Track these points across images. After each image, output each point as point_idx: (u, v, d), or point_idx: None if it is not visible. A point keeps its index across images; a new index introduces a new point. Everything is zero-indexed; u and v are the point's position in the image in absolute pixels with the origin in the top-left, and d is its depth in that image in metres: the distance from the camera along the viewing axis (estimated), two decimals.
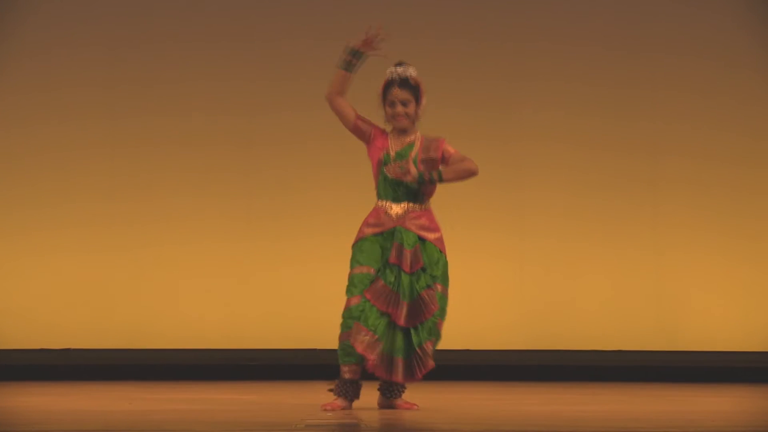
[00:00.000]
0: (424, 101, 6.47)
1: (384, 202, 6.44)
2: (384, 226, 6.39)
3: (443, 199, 9.52)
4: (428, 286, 6.31)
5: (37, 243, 9.26)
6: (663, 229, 9.35)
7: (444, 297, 6.38)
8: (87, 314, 9.22)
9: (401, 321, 6.25)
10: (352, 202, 9.23)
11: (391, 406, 6.43)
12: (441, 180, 6.37)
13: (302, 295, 9.24)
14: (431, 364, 6.33)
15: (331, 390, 6.42)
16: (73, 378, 8.97)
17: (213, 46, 9.39)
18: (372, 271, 6.31)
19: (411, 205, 6.43)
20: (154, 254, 9.31)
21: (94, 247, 9.27)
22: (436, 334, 6.34)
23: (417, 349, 6.27)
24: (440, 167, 6.41)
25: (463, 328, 9.24)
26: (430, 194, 6.49)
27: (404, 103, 6.42)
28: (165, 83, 9.37)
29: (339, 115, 6.48)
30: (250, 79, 9.38)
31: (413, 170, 6.33)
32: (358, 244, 6.42)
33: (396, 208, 6.43)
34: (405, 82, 6.43)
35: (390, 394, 6.45)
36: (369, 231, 6.41)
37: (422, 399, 7.18)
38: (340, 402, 6.34)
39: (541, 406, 6.71)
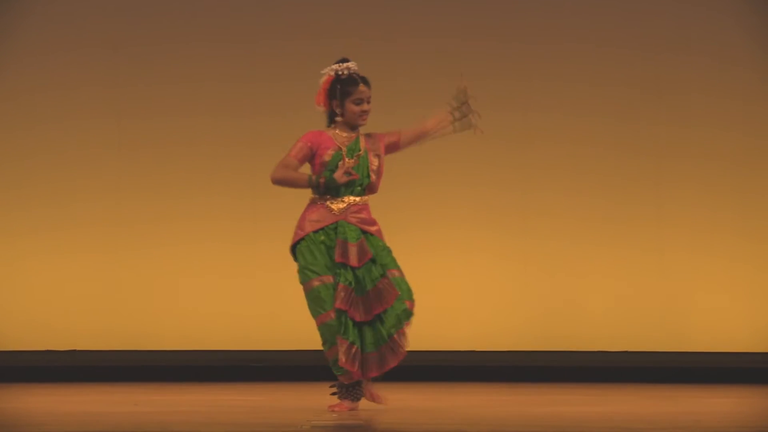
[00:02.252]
0: None
1: (325, 198, 6.42)
2: (324, 222, 6.39)
3: (445, 199, 9.56)
4: (382, 276, 6.31)
5: (42, 244, 9.26)
6: (668, 229, 9.34)
7: (403, 279, 6.38)
8: (92, 316, 9.23)
9: (358, 317, 6.25)
10: None
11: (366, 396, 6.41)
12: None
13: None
14: (402, 352, 6.30)
15: (334, 393, 6.43)
16: (79, 379, 8.98)
17: (219, 47, 9.39)
18: (331, 279, 6.33)
19: (353, 199, 6.42)
20: (159, 255, 9.31)
21: (99, 248, 9.27)
22: (407, 316, 6.32)
23: (387, 339, 6.27)
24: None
25: (467, 329, 9.25)
26: (370, 190, 6.48)
27: (368, 101, 6.45)
28: (170, 84, 9.37)
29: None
30: (256, 80, 9.38)
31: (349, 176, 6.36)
32: (300, 248, 6.41)
33: (337, 203, 6.41)
34: (366, 80, 6.47)
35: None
36: (309, 228, 6.40)
37: (427, 400, 7.18)
38: (346, 403, 6.35)
39: (547, 407, 6.71)
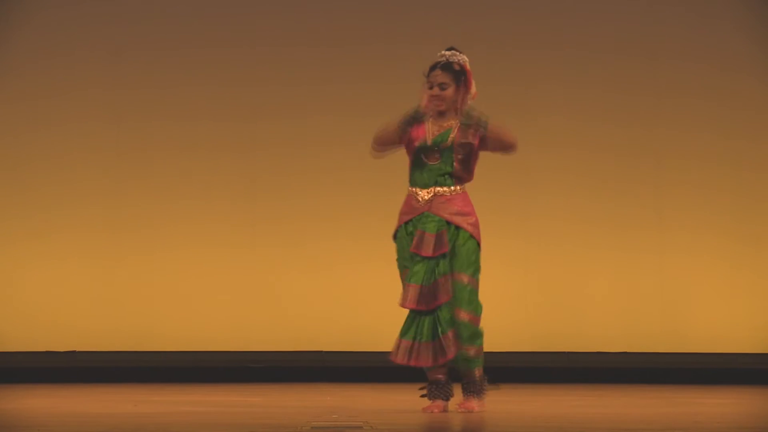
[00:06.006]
0: (472, 89, 6.45)
1: (413, 189, 6.40)
2: (413, 213, 6.37)
3: None
4: (445, 273, 6.28)
5: (42, 246, 9.27)
6: (667, 232, 9.35)
7: (467, 288, 6.28)
8: (92, 317, 9.23)
9: (408, 303, 6.23)
10: (356, 207, 9.26)
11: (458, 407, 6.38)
12: (485, 128, 6.36)
13: (307, 297, 9.24)
14: (448, 354, 6.23)
15: (423, 395, 6.40)
16: (79, 380, 8.99)
17: (217, 51, 9.40)
18: None
19: (439, 189, 6.38)
20: (159, 257, 9.31)
21: (99, 251, 9.28)
22: (453, 324, 6.23)
23: (441, 336, 6.25)
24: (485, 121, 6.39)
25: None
26: (462, 178, 6.41)
27: (442, 86, 6.38)
28: (169, 88, 9.38)
29: (387, 146, 6.45)
30: (255, 84, 9.39)
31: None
32: (397, 240, 6.39)
33: (423, 194, 6.39)
34: (448, 66, 6.40)
35: (464, 391, 6.39)
36: (403, 219, 6.37)
37: (426, 401, 7.17)
38: (438, 403, 6.32)
39: (547, 408, 6.71)
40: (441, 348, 6.24)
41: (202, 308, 9.26)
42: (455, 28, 9.38)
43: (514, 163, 9.37)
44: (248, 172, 9.34)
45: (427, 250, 6.27)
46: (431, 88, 6.39)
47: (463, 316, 6.27)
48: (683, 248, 9.30)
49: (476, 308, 6.32)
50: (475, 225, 6.42)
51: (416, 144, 6.38)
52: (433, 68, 6.41)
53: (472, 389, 6.35)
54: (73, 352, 9.24)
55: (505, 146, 6.48)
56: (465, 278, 6.32)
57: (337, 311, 9.24)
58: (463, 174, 6.41)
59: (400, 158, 6.59)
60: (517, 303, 9.28)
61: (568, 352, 9.27)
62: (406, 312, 6.30)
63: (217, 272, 9.27)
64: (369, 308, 9.13)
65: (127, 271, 9.28)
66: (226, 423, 5.79)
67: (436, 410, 6.28)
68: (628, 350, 9.25)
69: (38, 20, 9.35)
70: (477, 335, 6.31)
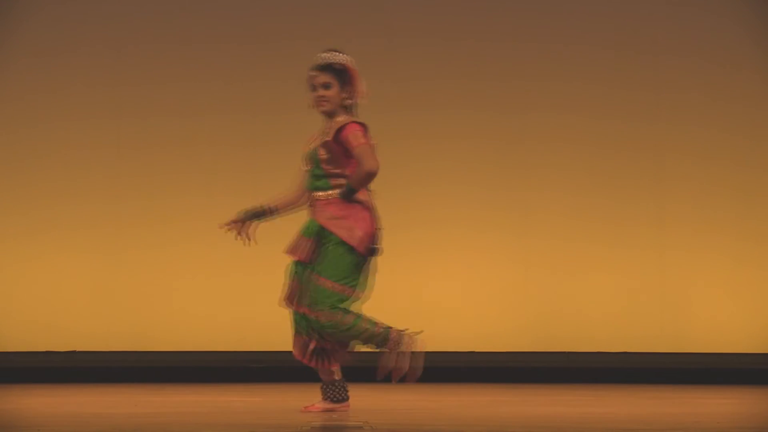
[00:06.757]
0: (359, 87, 6.30)
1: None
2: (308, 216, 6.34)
3: (445, 199, 9.55)
4: (311, 273, 6.24)
5: (41, 245, 9.26)
6: (667, 230, 9.34)
7: (322, 289, 6.18)
8: (92, 316, 9.23)
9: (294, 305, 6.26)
10: None
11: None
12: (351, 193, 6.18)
13: None
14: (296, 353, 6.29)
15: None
16: (78, 380, 8.98)
17: (219, 47, 9.40)
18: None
19: (317, 194, 6.32)
20: (158, 256, 9.31)
21: (98, 249, 9.27)
22: (314, 323, 6.21)
23: (313, 332, 6.24)
24: (348, 182, 6.20)
25: (467, 330, 9.25)
26: (337, 176, 6.24)
27: (324, 86, 6.29)
28: (170, 84, 9.37)
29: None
30: (256, 80, 9.38)
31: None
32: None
33: (308, 198, 6.37)
34: (327, 66, 6.29)
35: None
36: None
37: (427, 400, 7.18)
38: (320, 404, 6.36)
39: (546, 408, 6.71)
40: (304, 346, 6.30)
41: (202, 308, 9.25)
42: (455, 24, 9.38)
43: (513, 160, 9.38)
44: (250, 169, 9.33)
45: (297, 254, 6.26)
46: (313, 90, 6.30)
47: (305, 311, 6.26)
48: (684, 246, 9.30)
49: (319, 304, 6.18)
50: (349, 229, 6.21)
51: (305, 150, 6.39)
52: (312, 69, 6.32)
53: (327, 391, 6.33)
54: (73, 352, 9.23)
55: (360, 167, 6.20)
56: (320, 279, 6.22)
57: None
58: (335, 172, 6.25)
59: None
60: (517, 303, 9.27)
61: (568, 352, 9.27)
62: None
63: (219, 271, 9.26)
64: (369, 308, 9.12)
65: (127, 270, 9.28)
66: (226, 423, 5.79)
67: (313, 410, 6.26)
68: (628, 350, 9.25)
69: (39, 17, 9.34)
70: (334, 328, 6.21)
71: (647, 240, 9.32)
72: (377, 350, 6.25)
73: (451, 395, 7.75)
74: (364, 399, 6.56)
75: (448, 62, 9.31)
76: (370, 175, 6.17)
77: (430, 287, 9.25)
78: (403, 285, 9.07)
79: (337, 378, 6.38)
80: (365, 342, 6.25)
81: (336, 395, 6.36)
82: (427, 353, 9.15)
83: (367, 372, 9.19)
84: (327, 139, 6.27)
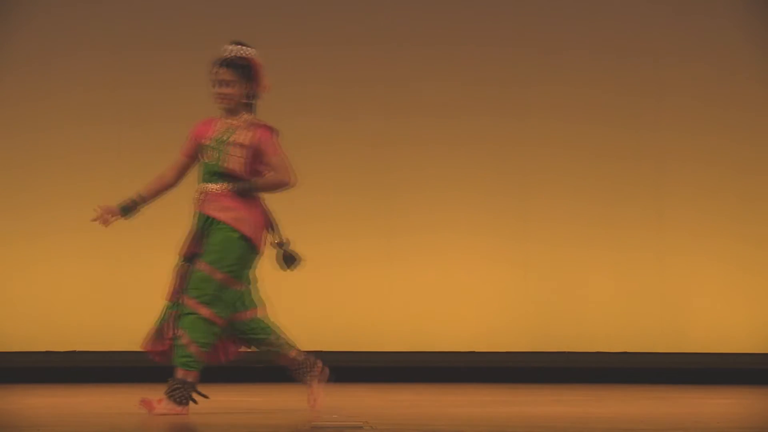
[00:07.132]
0: (263, 82, 6.23)
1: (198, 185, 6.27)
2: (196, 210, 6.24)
3: (445, 203, 9.55)
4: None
5: (42, 246, 9.26)
6: (667, 233, 9.34)
7: (207, 278, 6.10)
8: (92, 316, 9.23)
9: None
10: (355, 207, 9.25)
11: None
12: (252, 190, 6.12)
13: (307, 297, 9.23)
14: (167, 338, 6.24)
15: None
16: (79, 380, 8.98)
17: (219, 51, 9.38)
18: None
19: (207, 186, 6.24)
20: (159, 257, 9.27)
21: (99, 251, 9.26)
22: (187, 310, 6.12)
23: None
24: (252, 181, 6.14)
25: (468, 330, 9.25)
26: (237, 178, 6.16)
27: (226, 84, 6.22)
28: (171, 87, 9.37)
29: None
30: None
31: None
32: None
33: (196, 193, 6.30)
34: (230, 62, 6.22)
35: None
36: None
37: (427, 400, 7.18)
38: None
39: (546, 408, 6.71)
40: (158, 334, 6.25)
41: None
42: (455, 29, 9.38)
43: (513, 165, 9.39)
44: None
45: (181, 249, 6.26)
46: (215, 86, 6.23)
47: (187, 301, 6.13)
48: (683, 249, 9.30)
49: (202, 296, 6.10)
50: (240, 219, 6.13)
51: (201, 142, 6.23)
52: (215, 64, 6.25)
53: (170, 391, 6.18)
54: (73, 352, 9.23)
55: (277, 177, 6.22)
56: (203, 266, 6.13)
57: (339, 311, 9.24)
58: (238, 173, 6.15)
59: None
60: (517, 303, 9.27)
61: (568, 352, 9.27)
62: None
63: None
64: (369, 308, 9.13)
65: (127, 270, 9.27)
66: (226, 423, 5.79)
67: (149, 407, 6.17)
68: (628, 350, 9.25)
69: (39, 20, 9.34)
70: (194, 325, 6.13)
71: (647, 243, 9.33)
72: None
73: (451, 395, 7.75)
74: (363, 399, 6.55)
75: (449, 67, 9.31)
76: (285, 187, 6.22)
77: (429, 289, 9.25)
78: (403, 286, 9.08)
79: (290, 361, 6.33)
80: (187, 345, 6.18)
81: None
82: (427, 353, 9.18)
83: (367, 372, 9.21)
84: (242, 142, 6.17)
